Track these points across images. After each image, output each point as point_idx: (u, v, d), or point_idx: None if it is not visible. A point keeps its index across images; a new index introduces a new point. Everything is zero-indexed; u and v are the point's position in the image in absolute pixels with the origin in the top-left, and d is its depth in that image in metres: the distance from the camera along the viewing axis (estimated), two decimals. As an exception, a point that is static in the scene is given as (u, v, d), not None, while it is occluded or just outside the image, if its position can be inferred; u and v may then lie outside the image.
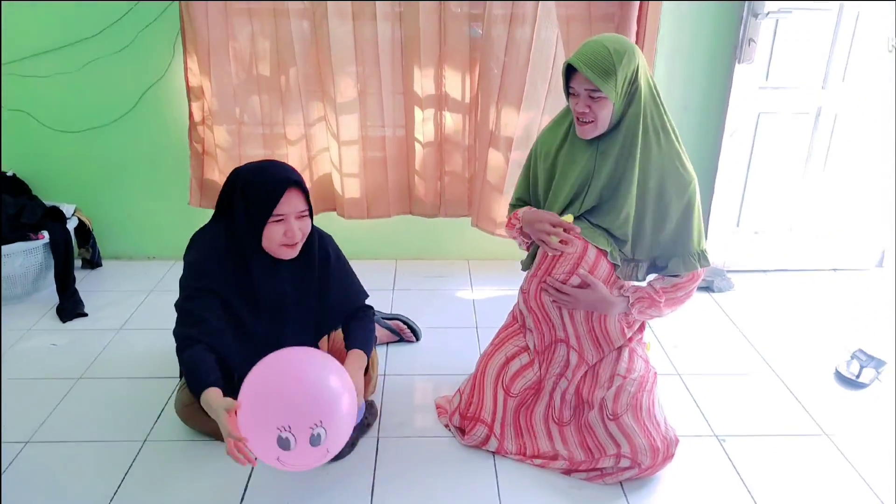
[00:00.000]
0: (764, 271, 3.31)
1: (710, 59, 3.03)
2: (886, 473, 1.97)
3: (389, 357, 2.51)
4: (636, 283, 1.97)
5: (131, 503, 1.81)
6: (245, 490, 1.86)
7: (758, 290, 3.15)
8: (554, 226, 1.87)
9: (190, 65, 2.85)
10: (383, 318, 2.60)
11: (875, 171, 3.17)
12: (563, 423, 2.03)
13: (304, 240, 1.90)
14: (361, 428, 2.05)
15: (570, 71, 1.81)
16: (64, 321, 2.75)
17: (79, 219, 3.09)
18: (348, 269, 2.10)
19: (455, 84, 2.94)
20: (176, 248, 3.31)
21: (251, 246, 1.86)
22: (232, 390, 1.69)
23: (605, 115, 1.81)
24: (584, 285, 1.90)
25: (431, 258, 3.37)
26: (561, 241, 1.87)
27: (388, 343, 2.59)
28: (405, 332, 2.59)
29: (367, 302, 2.13)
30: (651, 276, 1.98)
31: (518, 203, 2.12)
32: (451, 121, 3.00)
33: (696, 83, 3.07)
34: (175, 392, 2.12)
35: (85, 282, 3.07)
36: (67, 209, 3.04)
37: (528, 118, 2.86)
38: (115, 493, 1.84)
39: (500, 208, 3.00)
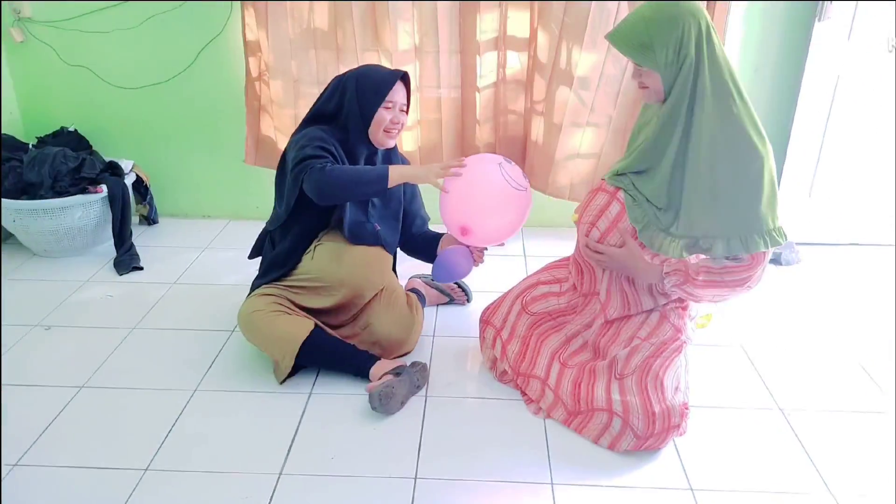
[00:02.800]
0: (835, 244, 3.14)
1: (788, 16, 2.85)
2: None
3: (440, 318, 2.47)
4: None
5: (181, 450, 1.81)
6: (292, 443, 1.84)
7: (827, 264, 2.99)
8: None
9: (247, 19, 2.83)
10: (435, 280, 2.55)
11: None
12: (567, 366, 1.97)
13: (401, 132, 2.13)
14: (411, 388, 2.01)
15: None
16: (120, 274, 2.79)
17: (137, 174, 3.12)
18: None
19: (516, 31, 2.86)
20: (230, 208, 3.35)
21: (357, 132, 2.06)
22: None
23: (655, 84, 1.75)
24: (620, 245, 1.84)
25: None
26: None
27: (438, 304, 2.54)
28: (457, 293, 2.54)
29: None
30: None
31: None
32: (514, 63, 2.92)
33: (772, 42, 2.90)
34: (244, 303, 2.13)
35: (141, 237, 3.11)
36: (126, 164, 3.07)
37: (587, 62, 2.78)
38: (164, 439, 1.84)
39: (557, 156, 2.91)
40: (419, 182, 1.98)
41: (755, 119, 1.72)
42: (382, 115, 2.04)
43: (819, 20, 2.74)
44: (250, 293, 2.17)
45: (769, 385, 2.12)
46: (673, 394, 1.82)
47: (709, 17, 1.71)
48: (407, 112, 2.12)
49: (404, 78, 2.07)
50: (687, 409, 1.82)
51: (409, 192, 2.31)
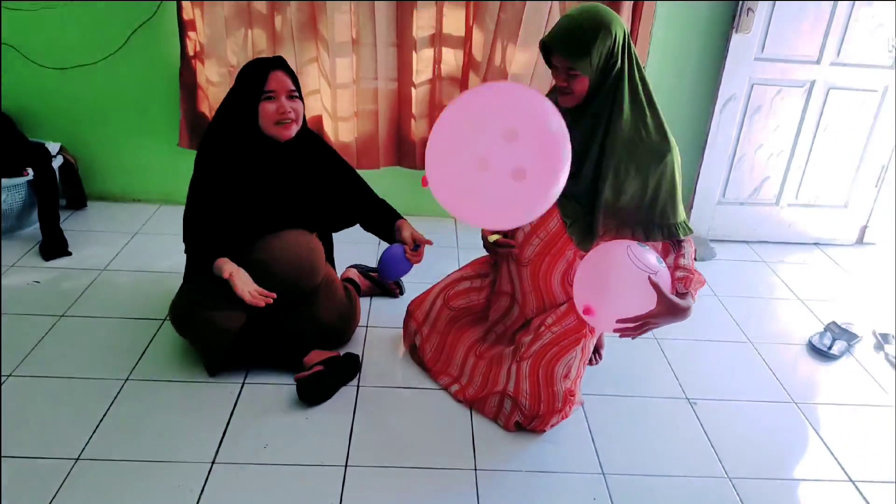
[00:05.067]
0: (747, 242, 3.35)
1: (708, 27, 3.01)
2: (849, 442, 2.04)
3: (373, 309, 2.54)
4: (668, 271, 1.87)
5: (112, 440, 1.83)
6: (225, 432, 1.89)
7: (739, 259, 3.20)
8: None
9: (183, 1, 2.82)
10: (368, 271, 2.62)
11: (861, 148, 3.19)
12: (481, 357, 2.10)
13: (300, 123, 2.07)
14: (341, 378, 2.08)
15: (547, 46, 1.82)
16: (47, 259, 2.74)
17: (64, 157, 3.05)
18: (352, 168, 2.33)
19: (452, 30, 2.93)
20: (162, 192, 3.31)
21: (250, 129, 2.03)
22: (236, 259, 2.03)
23: (581, 89, 1.84)
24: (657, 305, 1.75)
25: (419, 214, 3.36)
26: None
27: (371, 296, 2.61)
28: (389, 285, 2.61)
29: None
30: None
31: None
32: (449, 60, 2.99)
33: (692, 50, 3.06)
34: (175, 297, 2.16)
35: (69, 221, 3.05)
36: (53, 147, 3.01)
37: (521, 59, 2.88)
38: (95, 429, 1.86)
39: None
40: (231, 285, 1.94)
41: (664, 123, 1.87)
42: (266, 108, 1.99)
43: (736, 31, 2.90)
44: (182, 285, 2.19)
45: (678, 375, 2.28)
46: (560, 381, 1.92)
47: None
48: (299, 97, 2.05)
49: (280, 64, 2.02)
50: (572, 395, 1.94)
51: (338, 179, 2.27)
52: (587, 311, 1.80)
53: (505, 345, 2.10)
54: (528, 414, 1.92)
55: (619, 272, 1.74)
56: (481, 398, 2.02)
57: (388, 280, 2.20)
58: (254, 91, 1.98)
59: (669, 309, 1.73)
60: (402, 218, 2.29)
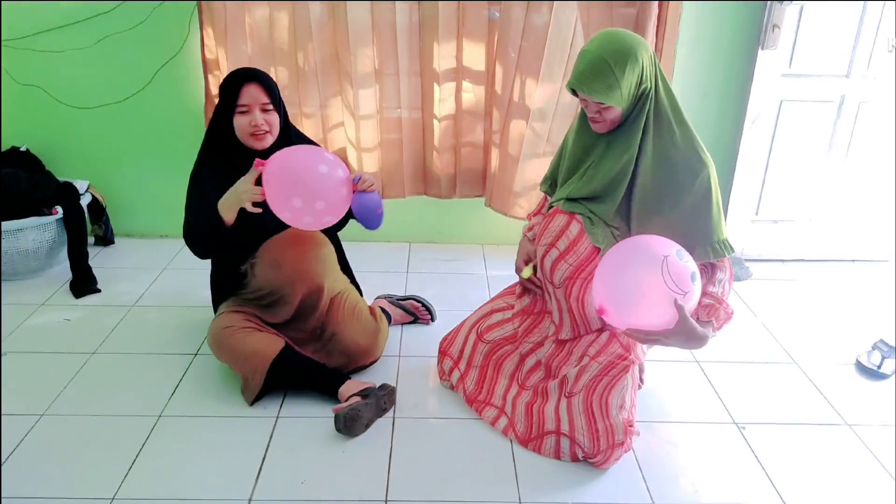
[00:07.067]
0: (782, 260, 3.28)
1: (733, 45, 2.98)
2: (909, 464, 1.95)
3: (405, 338, 2.49)
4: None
5: (148, 478, 1.80)
6: (261, 468, 1.84)
7: (776, 278, 3.12)
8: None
9: (206, 40, 2.83)
10: (398, 300, 2.58)
11: (896, 161, 3.13)
12: (524, 387, 2.04)
13: (275, 134, 2.10)
14: (377, 411, 2.03)
15: None
16: (77, 297, 2.73)
17: (92, 195, 3.07)
18: None
19: (473, 64, 2.92)
20: (189, 227, 3.30)
21: (229, 141, 2.09)
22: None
23: (614, 118, 1.82)
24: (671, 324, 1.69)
25: (445, 241, 3.35)
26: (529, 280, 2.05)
27: (403, 324, 2.57)
28: (420, 312, 2.57)
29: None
30: None
31: (547, 179, 2.16)
32: (470, 94, 2.97)
33: (718, 68, 3.02)
34: (214, 319, 2.16)
35: (97, 258, 3.05)
36: (81, 185, 3.02)
37: (544, 93, 2.85)
38: (130, 467, 1.82)
39: (515, 187, 2.98)
40: (238, 205, 1.94)
41: (697, 140, 1.84)
42: (240, 121, 2.05)
43: (762, 48, 2.87)
44: (217, 311, 2.18)
45: (724, 399, 2.21)
46: (617, 412, 1.86)
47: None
48: (275, 108, 2.08)
49: (253, 76, 2.05)
50: (631, 426, 1.88)
51: None
52: (601, 311, 1.72)
53: (544, 374, 2.04)
54: (590, 452, 1.84)
55: (646, 284, 1.63)
56: (534, 439, 1.94)
57: (370, 223, 2.06)
58: (228, 105, 2.05)
59: (686, 334, 1.67)
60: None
